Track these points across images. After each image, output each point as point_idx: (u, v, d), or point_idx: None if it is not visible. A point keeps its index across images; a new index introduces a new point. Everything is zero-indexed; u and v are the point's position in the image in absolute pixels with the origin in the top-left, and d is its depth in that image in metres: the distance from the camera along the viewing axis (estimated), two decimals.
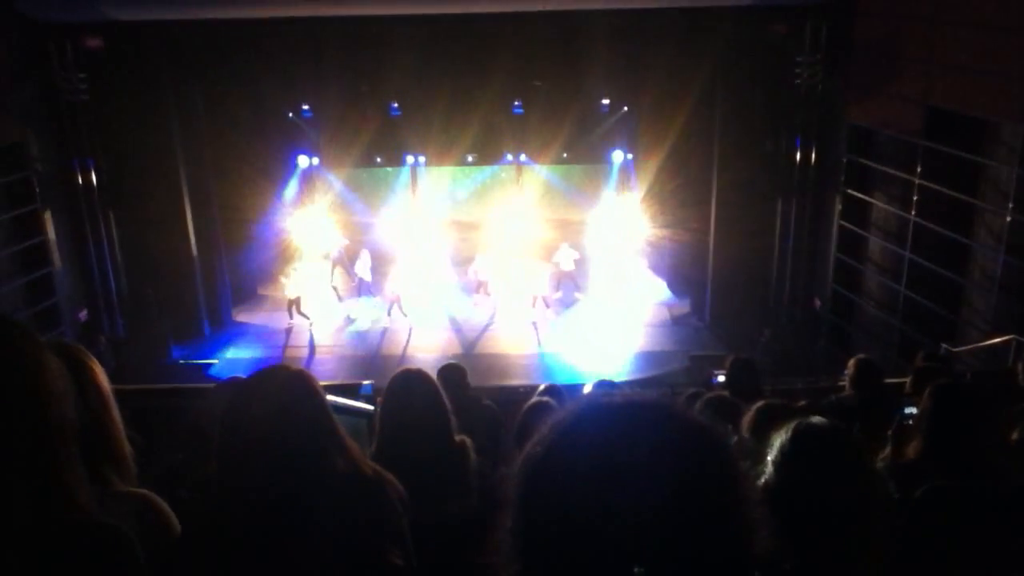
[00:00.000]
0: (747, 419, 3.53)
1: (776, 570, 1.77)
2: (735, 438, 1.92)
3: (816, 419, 2.03)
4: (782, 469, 1.93)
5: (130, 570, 1.63)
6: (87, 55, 14.35)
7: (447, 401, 3.39)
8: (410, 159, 19.58)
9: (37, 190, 13.71)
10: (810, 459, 1.92)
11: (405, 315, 16.76)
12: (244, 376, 2.44)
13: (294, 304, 16.54)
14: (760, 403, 3.61)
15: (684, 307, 17.73)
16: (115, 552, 1.61)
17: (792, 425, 2.01)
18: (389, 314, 16.87)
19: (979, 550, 2.69)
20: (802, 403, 5.20)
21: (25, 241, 13.53)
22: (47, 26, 13.88)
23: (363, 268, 18.01)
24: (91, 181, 14.94)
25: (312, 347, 16.10)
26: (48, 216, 14.02)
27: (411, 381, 3.36)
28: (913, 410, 3.89)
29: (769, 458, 1.98)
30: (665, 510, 0.96)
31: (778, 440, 1.99)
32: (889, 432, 3.91)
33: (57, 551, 1.52)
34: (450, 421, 3.36)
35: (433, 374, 3.72)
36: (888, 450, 3.74)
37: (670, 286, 18.63)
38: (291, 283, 16.56)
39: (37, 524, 1.49)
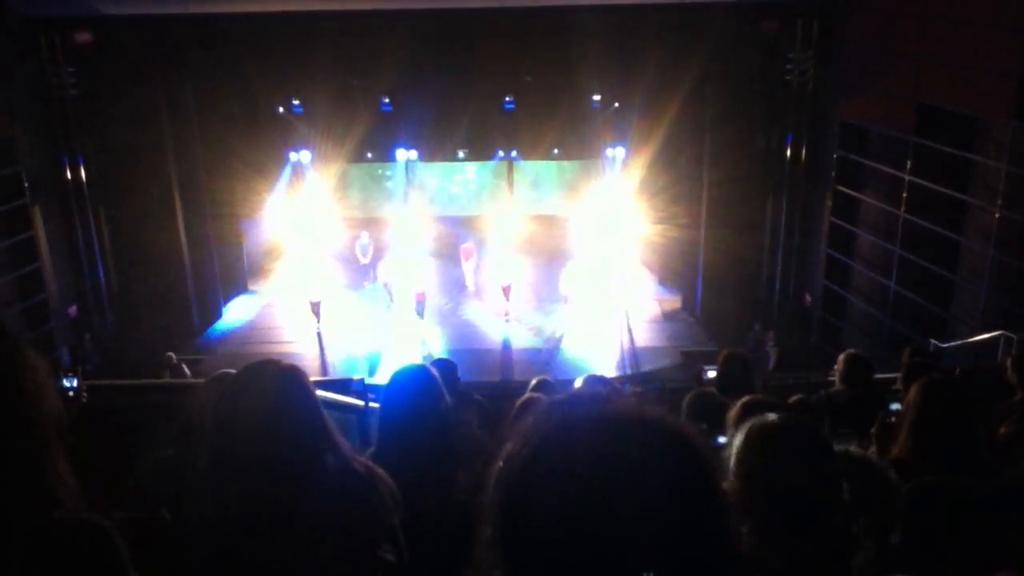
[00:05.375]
0: (732, 415, 3.51)
1: (764, 570, 1.76)
2: (716, 440, 1.91)
3: (771, 416, 1.96)
4: (740, 471, 1.87)
5: (113, 565, 1.62)
6: (76, 50, 14.28)
7: (447, 396, 3.39)
8: (401, 155, 19.55)
9: (26, 185, 13.63)
10: (765, 458, 1.86)
11: (391, 299, 17.13)
12: (234, 372, 2.42)
13: (316, 307, 16.34)
14: (745, 398, 3.58)
15: (675, 303, 17.75)
16: (97, 548, 1.60)
17: (746, 425, 1.95)
18: (391, 298, 17.25)
19: (967, 546, 2.70)
20: (795, 398, 5.20)
21: (14, 237, 13.45)
22: (36, 20, 13.80)
23: (362, 252, 18.45)
24: (80, 176, 14.87)
25: (304, 342, 16.05)
26: (37, 211, 13.95)
27: (412, 376, 3.36)
28: (897, 406, 3.86)
29: (731, 460, 1.92)
30: (644, 518, 0.96)
31: (735, 441, 1.93)
32: (872, 430, 3.90)
33: (40, 548, 1.51)
34: (449, 416, 3.36)
35: None
36: (873, 448, 3.73)
37: (661, 282, 18.65)
38: (315, 286, 16.44)
39: (20, 522, 1.49)
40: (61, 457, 1.60)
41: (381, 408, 3.39)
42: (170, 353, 13.30)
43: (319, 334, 16.22)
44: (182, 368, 13.27)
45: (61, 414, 1.63)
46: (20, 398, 1.53)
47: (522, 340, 16.06)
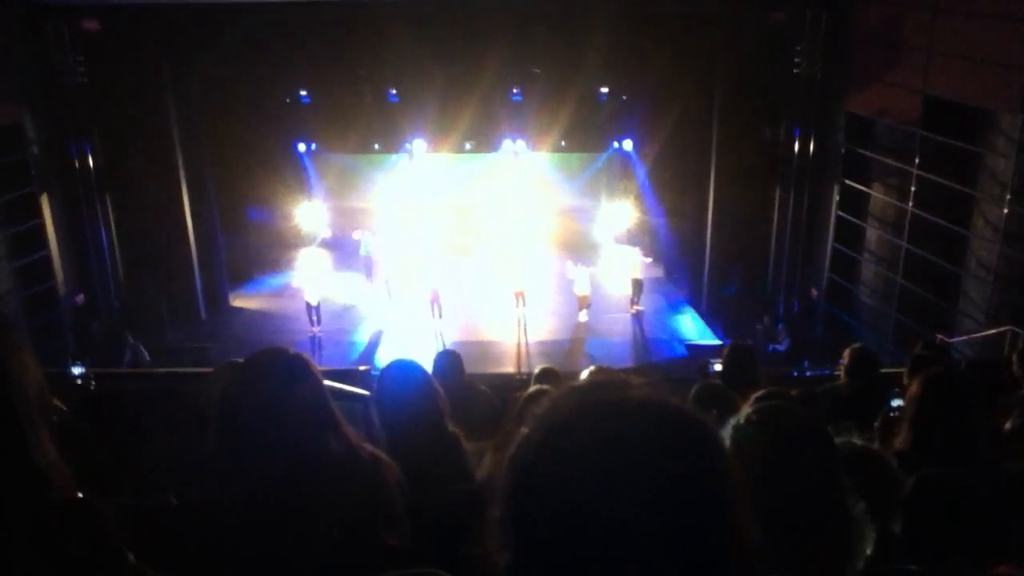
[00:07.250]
0: (744, 409, 3.50)
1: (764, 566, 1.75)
2: (728, 427, 1.89)
3: (775, 404, 1.93)
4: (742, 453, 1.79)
5: (103, 542, 1.63)
6: (84, 37, 14.28)
7: (439, 388, 3.42)
8: (408, 146, 19.53)
9: (33, 172, 13.67)
10: (766, 446, 1.81)
11: (390, 295, 17.07)
12: (241, 359, 2.44)
13: (315, 310, 15.86)
14: (760, 392, 3.58)
15: (681, 295, 17.74)
16: (87, 526, 1.61)
17: (747, 413, 1.91)
18: (389, 295, 17.08)
19: (969, 539, 2.70)
20: (797, 391, 5.19)
21: (21, 224, 13.48)
22: (44, 7, 13.80)
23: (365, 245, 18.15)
24: (88, 164, 14.89)
25: (310, 331, 16.07)
26: (44, 199, 13.98)
27: (401, 372, 3.40)
28: (900, 402, 3.86)
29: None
30: (657, 506, 0.96)
31: (731, 429, 1.88)
32: (876, 424, 3.90)
33: (30, 527, 1.52)
34: (443, 408, 3.39)
35: (430, 362, 3.75)
36: (877, 442, 3.73)
37: (667, 274, 18.64)
38: (311, 287, 15.82)
39: (9, 501, 1.51)
40: (48, 437, 1.61)
41: (376, 403, 3.43)
42: (125, 332, 13.76)
43: (318, 336, 15.90)
44: (140, 348, 13.56)
45: (46, 394, 1.64)
46: (4, 378, 1.54)
47: (534, 333, 16.05)
